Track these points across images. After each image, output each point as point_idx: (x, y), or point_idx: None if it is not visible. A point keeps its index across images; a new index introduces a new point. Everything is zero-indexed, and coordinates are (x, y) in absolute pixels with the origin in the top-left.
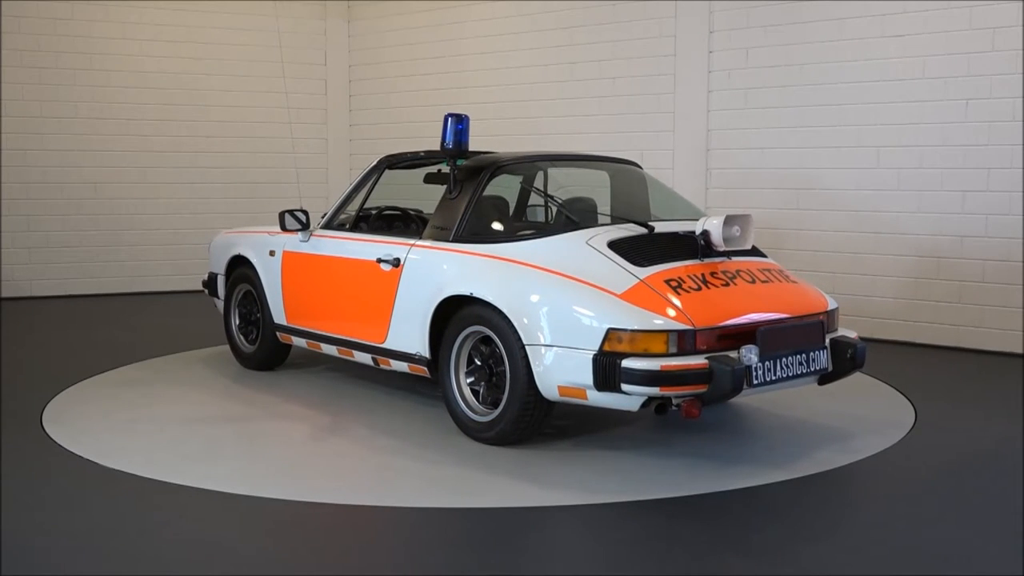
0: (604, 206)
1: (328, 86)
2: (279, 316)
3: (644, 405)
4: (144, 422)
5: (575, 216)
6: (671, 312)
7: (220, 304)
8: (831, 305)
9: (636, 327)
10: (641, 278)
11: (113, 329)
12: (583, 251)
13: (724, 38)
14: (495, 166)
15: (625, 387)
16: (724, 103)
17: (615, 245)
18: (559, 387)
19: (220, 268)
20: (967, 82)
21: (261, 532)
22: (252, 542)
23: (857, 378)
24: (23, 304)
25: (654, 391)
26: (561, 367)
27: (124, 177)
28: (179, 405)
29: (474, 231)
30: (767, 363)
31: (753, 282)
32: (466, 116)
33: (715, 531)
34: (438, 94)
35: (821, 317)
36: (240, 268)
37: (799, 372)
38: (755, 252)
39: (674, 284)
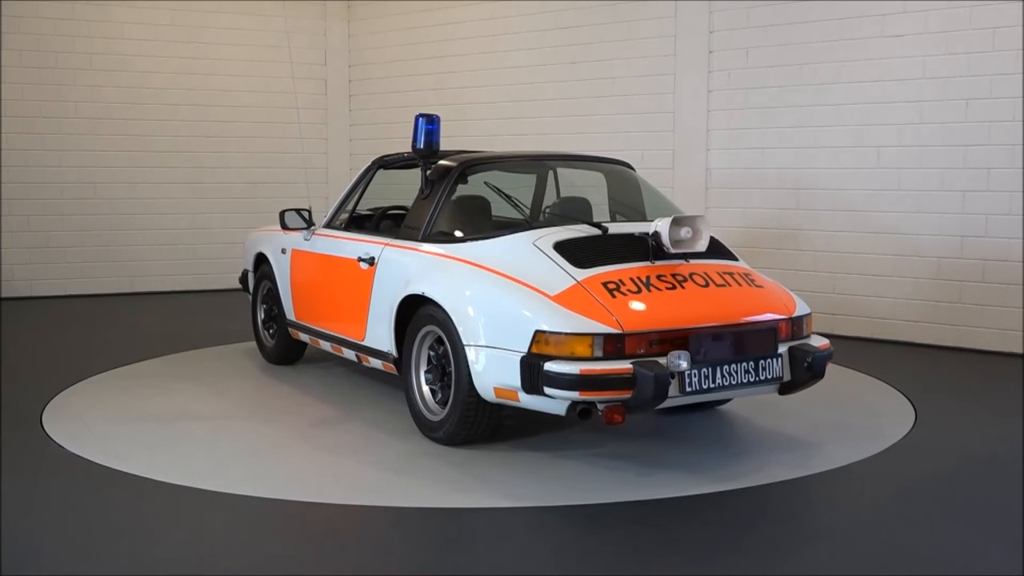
0: (600, 207)
1: (328, 86)
2: (289, 312)
3: (571, 409)
4: (144, 421)
5: (523, 215)
6: (601, 315)
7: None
8: (799, 311)
9: (561, 329)
10: (578, 280)
11: (113, 329)
12: (528, 251)
13: (724, 38)
14: (464, 166)
15: (547, 390)
16: (724, 103)
17: (561, 246)
18: (494, 388)
19: (249, 265)
20: (967, 82)
21: (259, 532)
22: (251, 542)
23: (856, 378)
24: (23, 304)
25: (574, 395)
26: (494, 368)
27: (124, 177)
28: (180, 404)
29: (441, 231)
30: (704, 370)
31: (706, 285)
32: (437, 116)
33: (713, 530)
34: (438, 94)
35: (778, 323)
36: (263, 265)
37: (747, 380)
38: (723, 254)
39: (612, 287)
